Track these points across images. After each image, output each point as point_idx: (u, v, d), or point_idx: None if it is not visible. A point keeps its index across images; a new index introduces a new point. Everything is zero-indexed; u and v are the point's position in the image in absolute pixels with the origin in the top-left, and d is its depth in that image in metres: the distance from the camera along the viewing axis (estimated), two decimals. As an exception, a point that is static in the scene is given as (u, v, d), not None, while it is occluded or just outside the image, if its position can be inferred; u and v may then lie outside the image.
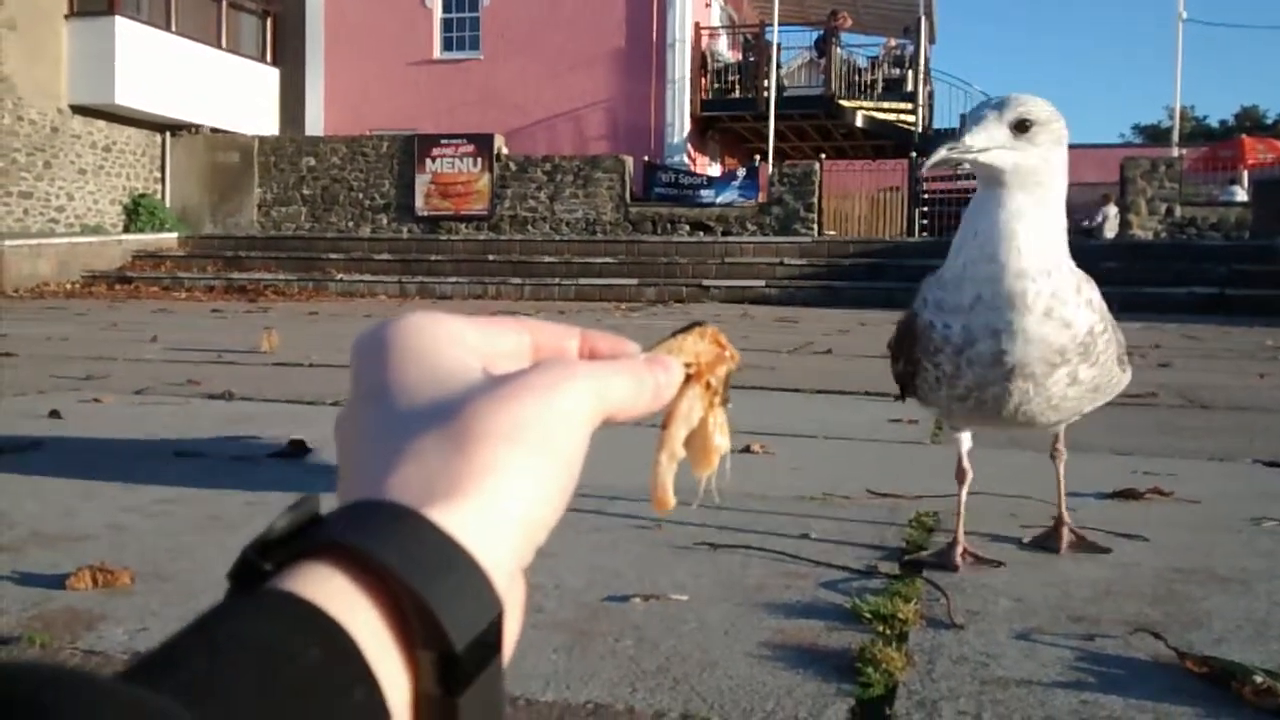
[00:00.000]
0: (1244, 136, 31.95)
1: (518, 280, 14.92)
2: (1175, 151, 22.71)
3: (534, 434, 0.33)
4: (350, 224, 18.38)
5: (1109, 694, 1.18)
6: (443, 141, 18.15)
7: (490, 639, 0.30)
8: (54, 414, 3.26)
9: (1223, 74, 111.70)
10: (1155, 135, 45.33)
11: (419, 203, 18.06)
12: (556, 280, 14.91)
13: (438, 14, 21.56)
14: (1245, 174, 24.24)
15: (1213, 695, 1.18)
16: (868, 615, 1.37)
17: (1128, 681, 1.22)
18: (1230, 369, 5.77)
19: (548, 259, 15.83)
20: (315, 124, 21.23)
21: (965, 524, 1.75)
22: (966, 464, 1.83)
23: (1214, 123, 53.75)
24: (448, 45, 21.60)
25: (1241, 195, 20.44)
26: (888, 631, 1.33)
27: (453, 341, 0.36)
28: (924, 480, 2.41)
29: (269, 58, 21.20)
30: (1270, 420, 3.79)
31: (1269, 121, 53.56)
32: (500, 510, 0.32)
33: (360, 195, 18.49)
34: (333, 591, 0.29)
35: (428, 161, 17.99)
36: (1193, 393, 4.49)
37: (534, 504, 0.33)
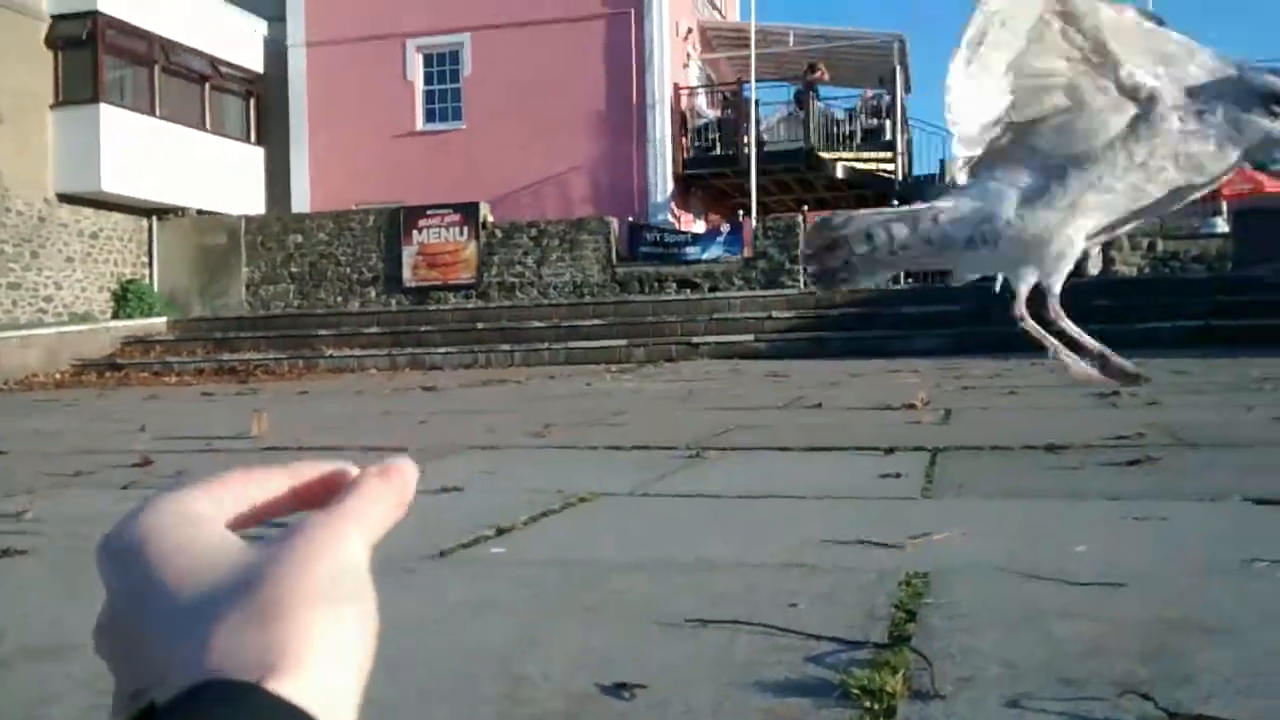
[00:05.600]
0: (1221, 168, 32.10)
1: (507, 347, 14.95)
2: (1154, 186, 22.88)
3: (337, 588, 0.34)
4: (339, 299, 18.45)
5: (1099, 760, 1.18)
6: (429, 212, 18.29)
7: None
8: (40, 515, 3.25)
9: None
10: (1133, 171, 45.78)
11: (407, 274, 18.15)
12: (546, 345, 14.94)
13: (419, 86, 21.83)
14: (1224, 205, 24.48)
15: (1203, 755, 1.18)
16: (855, 690, 1.37)
17: (1118, 745, 1.21)
18: (1218, 403, 5.79)
19: (536, 324, 15.88)
20: (301, 201, 21.39)
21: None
22: None
23: (1191, 155, 54.43)
24: (430, 117, 21.85)
25: (1222, 227, 20.62)
26: (876, 706, 1.33)
27: (200, 520, 0.37)
28: (914, 536, 2.41)
29: (253, 137, 21.40)
30: (1258, 456, 3.79)
31: (1245, 151, 54.35)
32: (333, 668, 0.33)
33: (348, 270, 18.58)
34: None
35: (414, 233, 18.11)
36: (1181, 431, 4.49)
37: (358, 654, 0.34)
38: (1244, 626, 1.66)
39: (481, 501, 3.23)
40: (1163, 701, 1.32)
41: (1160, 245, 18.75)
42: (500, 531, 2.69)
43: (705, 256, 18.14)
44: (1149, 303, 14.65)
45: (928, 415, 5.57)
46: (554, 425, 5.36)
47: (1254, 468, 3.50)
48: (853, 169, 21.37)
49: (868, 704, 1.33)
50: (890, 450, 4.12)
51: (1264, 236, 16.31)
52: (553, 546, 2.53)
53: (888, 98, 21.97)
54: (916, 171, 23.08)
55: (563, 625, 1.82)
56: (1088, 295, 15.96)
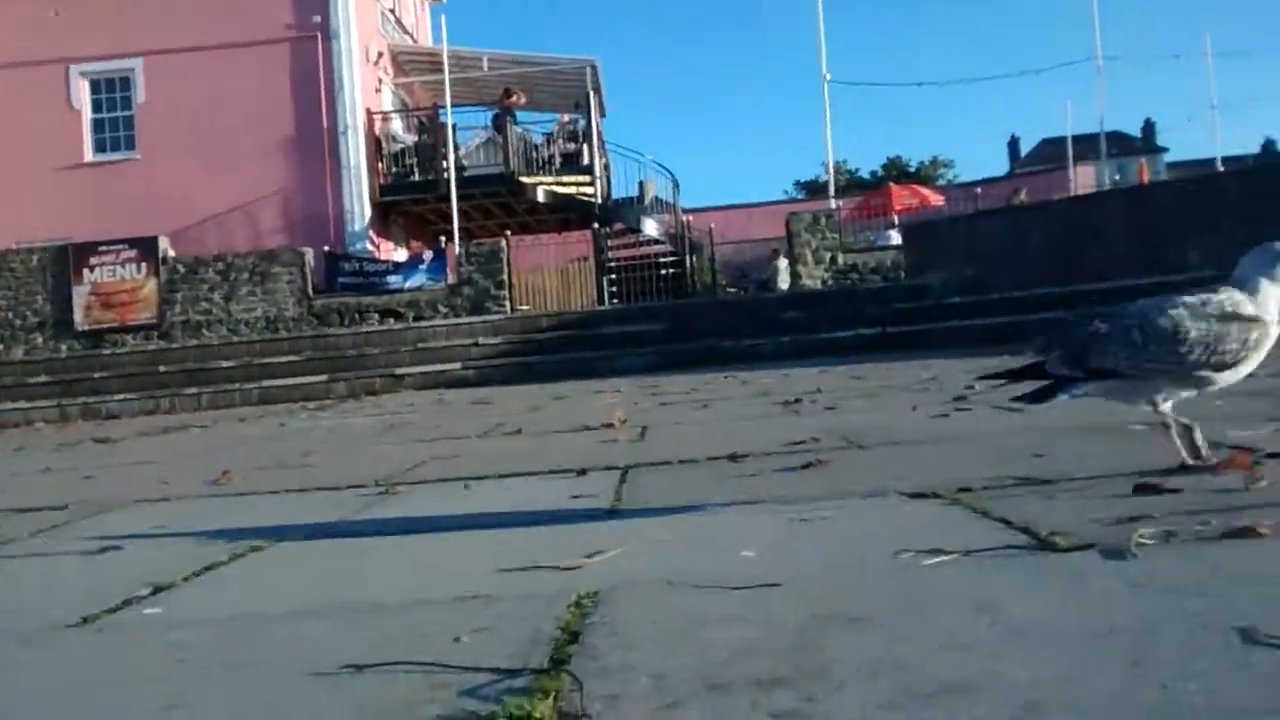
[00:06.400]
0: (891, 185, 35.11)
1: (193, 390, 14.12)
2: (833, 203, 24.62)
3: None
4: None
5: (736, 763, 1.20)
6: (101, 249, 17.04)
7: None
8: None
9: (870, 128, 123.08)
10: (815, 190, 49.06)
11: (78, 317, 16.81)
12: (237, 385, 14.23)
13: (87, 114, 20.36)
14: (896, 219, 26.61)
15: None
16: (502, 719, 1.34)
17: (757, 746, 1.24)
18: (889, 404, 6.21)
19: (226, 363, 15.11)
20: (-48, 242, 19.41)
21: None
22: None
23: (865, 174, 58.92)
24: (100, 147, 20.41)
25: (896, 239, 22.43)
26: (523, 734, 1.30)
27: None
28: (591, 555, 2.42)
29: (-110, 173, 19.23)
30: (918, 451, 4.09)
31: (912, 169, 59.43)
32: None
33: (10, 315, 16.99)
34: None
35: (85, 271, 16.81)
36: (853, 433, 4.78)
37: None
38: (881, 615, 1.75)
39: (141, 559, 2.98)
40: (800, 694, 1.37)
41: (841, 259, 20.11)
42: (157, 590, 2.49)
43: (408, 285, 17.86)
44: (834, 313, 15.63)
45: (624, 434, 5.67)
46: (235, 471, 5.07)
47: (912, 463, 3.77)
48: (554, 193, 21.69)
49: (514, 734, 1.31)
50: (583, 471, 4.15)
51: (930, 247, 17.75)
52: (213, 603, 2.36)
53: (583, 123, 22.45)
54: (616, 194, 23.72)
55: (209, 688, 1.69)
56: (779, 309, 16.88)
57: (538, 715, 1.34)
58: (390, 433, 7.19)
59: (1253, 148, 61.09)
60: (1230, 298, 2.84)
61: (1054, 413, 4.94)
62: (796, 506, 3.00)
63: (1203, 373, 2.88)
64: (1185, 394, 2.95)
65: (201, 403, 13.70)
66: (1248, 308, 2.82)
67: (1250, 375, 2.91)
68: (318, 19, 19.88)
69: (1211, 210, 13.56)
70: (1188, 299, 2.91)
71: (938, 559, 2.20)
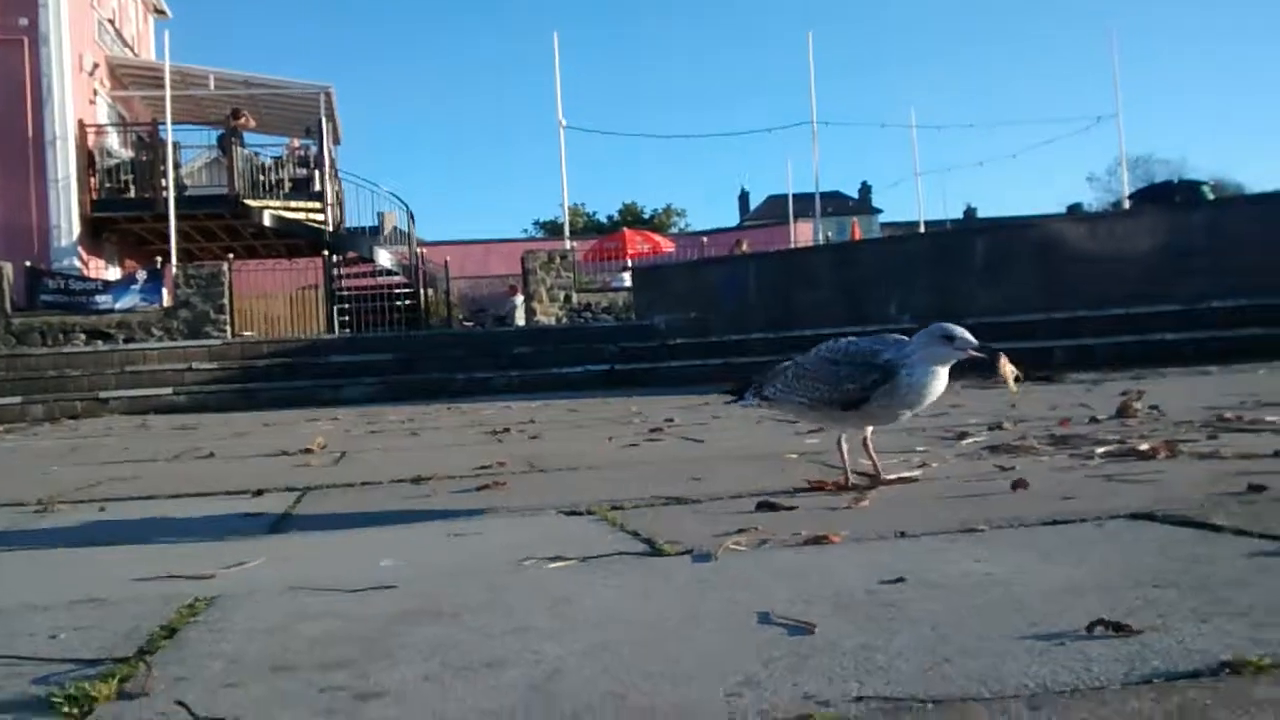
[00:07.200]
0: (626, 230, 36.14)
1: None
2: (568, 244, 25.10)
3: None
4: None
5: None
6: None
7: None
8: None
9: (610, 174, 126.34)
10: (554, 230, 49.89)
11: None
12: (-84, 406, 13.07)
13: None
14: (629, 263, 27.43)
15: None
16: (59, 699, 1.41)
17: None
18: (591, 435, 6.46)
19: (-96, 382, 13.84)
20: None
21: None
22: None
23: (603, 218, 60.50)
24: None
25: (628, 281, 23.09)
26: (75, 711, 1.38)
27: None
28: (229, 566, 2.48)
29: None
30: (595, 475, 4.31)
31: (646, 216, 61.45)
32: None
33: None
34: None
35: None
36: (542, 459, 4.97)
37: None
38: (470, 611, 1.91)
39: None
40: (355, 672, 1.51)
41: (575, 298, 20.53)
42: None
43: (119, 305, 16.94)
44: (565, 349, 15.90)
45: (320, 459, 5.66)
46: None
47: (584, 485, 3.98)
48: (281, 218, 21.10)
49: (66, 710, 1.38)
50: (259, 492, 4.15)
51: (658, 290, 18.34)
52: None
53: (315, 148, 22.00)
54: (352, 223, 23.32)
55: None
56: (511, 343, 17.06)
57: (95, 694, 1.42)
58: (74, 454, 6.85)
59: (956, 213, 66.62)
60: (868, 350, 3.25)
61: (726, 441, 5.35)
62: (456, 523, 3.15)
63: (832, 409, 3.32)
64: (841, 423, 3.40)
65: None
66: (878, 359, 3.22)
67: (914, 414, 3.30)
68: (24, 22, 18.58)
69: (907, 266, 14.79)
70: (836, 345, 3.34)
71: (555, 564, 2.40)
